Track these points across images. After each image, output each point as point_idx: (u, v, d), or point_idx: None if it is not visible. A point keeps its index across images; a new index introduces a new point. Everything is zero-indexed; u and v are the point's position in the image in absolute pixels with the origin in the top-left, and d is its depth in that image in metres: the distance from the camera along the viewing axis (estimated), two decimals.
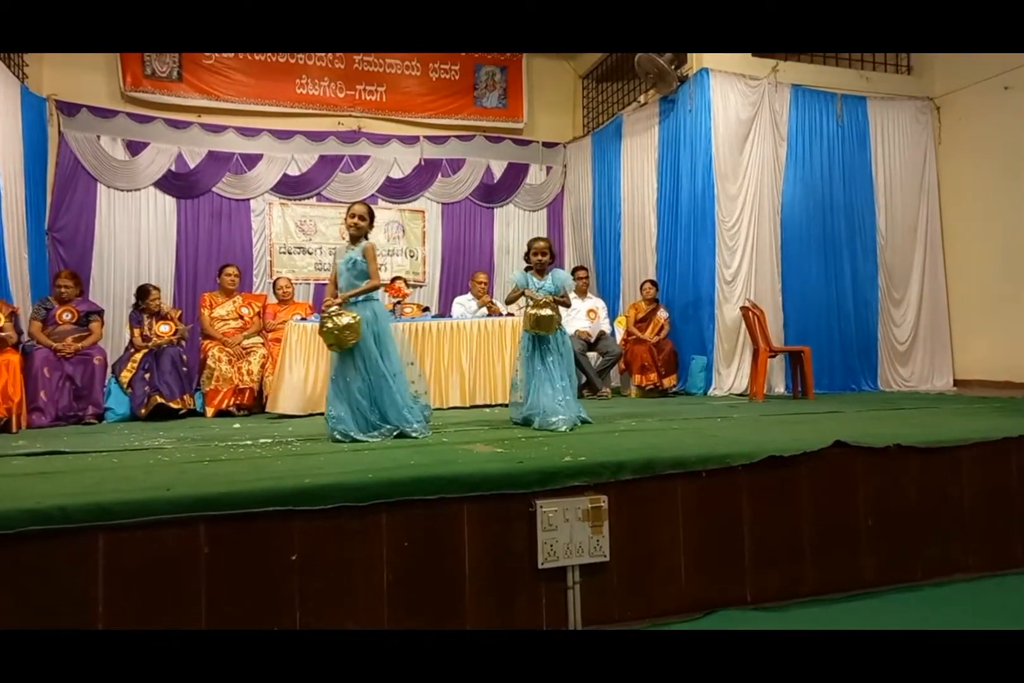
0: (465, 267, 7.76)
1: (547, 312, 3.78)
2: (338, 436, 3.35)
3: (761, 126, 6.20)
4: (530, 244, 4.03)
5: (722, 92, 6.09)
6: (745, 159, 6.17)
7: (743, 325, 5.90)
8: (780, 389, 6.09)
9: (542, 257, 3.95)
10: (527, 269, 4.04)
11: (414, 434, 3.42)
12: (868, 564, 2.75)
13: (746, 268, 6.09)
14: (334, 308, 3.38)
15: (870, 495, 2.80)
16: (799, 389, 5.71)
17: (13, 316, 4.75)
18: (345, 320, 3.34)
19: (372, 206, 7.10)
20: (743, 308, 5.80)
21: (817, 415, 4.14)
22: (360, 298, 3.53)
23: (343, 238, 7.37)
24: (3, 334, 4.45)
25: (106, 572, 1.99)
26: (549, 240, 4.10)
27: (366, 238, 3.63)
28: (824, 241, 6.34)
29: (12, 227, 5.58)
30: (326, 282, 7.07)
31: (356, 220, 3.55)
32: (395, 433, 3.42)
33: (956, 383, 6.52)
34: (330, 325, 3.34)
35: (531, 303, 3.88)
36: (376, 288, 3.60)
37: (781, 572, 2.64)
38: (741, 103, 6.15)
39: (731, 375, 6.07)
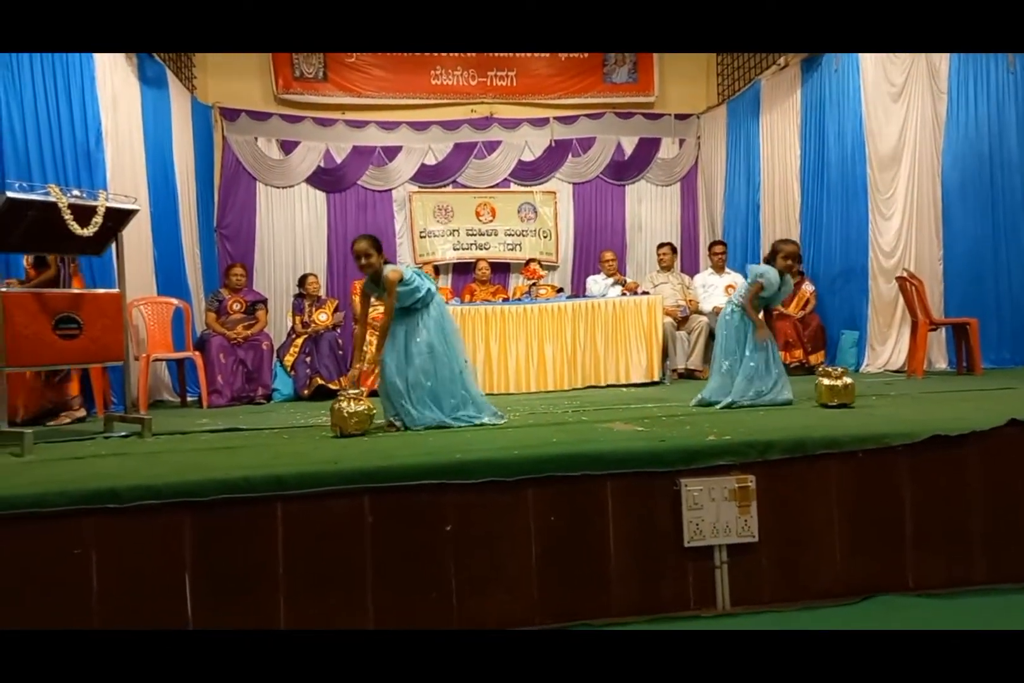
0: (597, 246, 7.70)
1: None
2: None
3: (917, 82, 5.69)
4: (778, 246, 3.67)
5: None
6: (899, 119, 5.70)
7: (900, 297, 5.51)
8: (942, 365, 5.64)
9: (791, 262, 3.65)
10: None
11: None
12: None
13: (904, 236, 5.66)
14: (352, 391, 3.14)
15: None
16: (965, 364, 5.27)
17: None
18: (360, 408, 3.07)
19: (505, 189, 7.14)
20: (899, 278, 5.41)
21: (986, 392, 3.81)
22: (409, 310, 3.39)
23: (479, 220, 7.62)
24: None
25: (285, 535, 2.20)
26: (798, 244, 3.80)
27: (385, 264, 3.43)
28: (993, 203, 5.75)
29: (188, 226, 6.17)
30: (466, 260, 7.29)
31: (363, 261, 3.35)
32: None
33: None
34: (343, 405, 3.05)
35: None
36: (386, 324, 3.40)
37: (948, 559, 2.49)
38: (892, 58, 5.68)
39: (887, 351, 5.69)
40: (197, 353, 5.18)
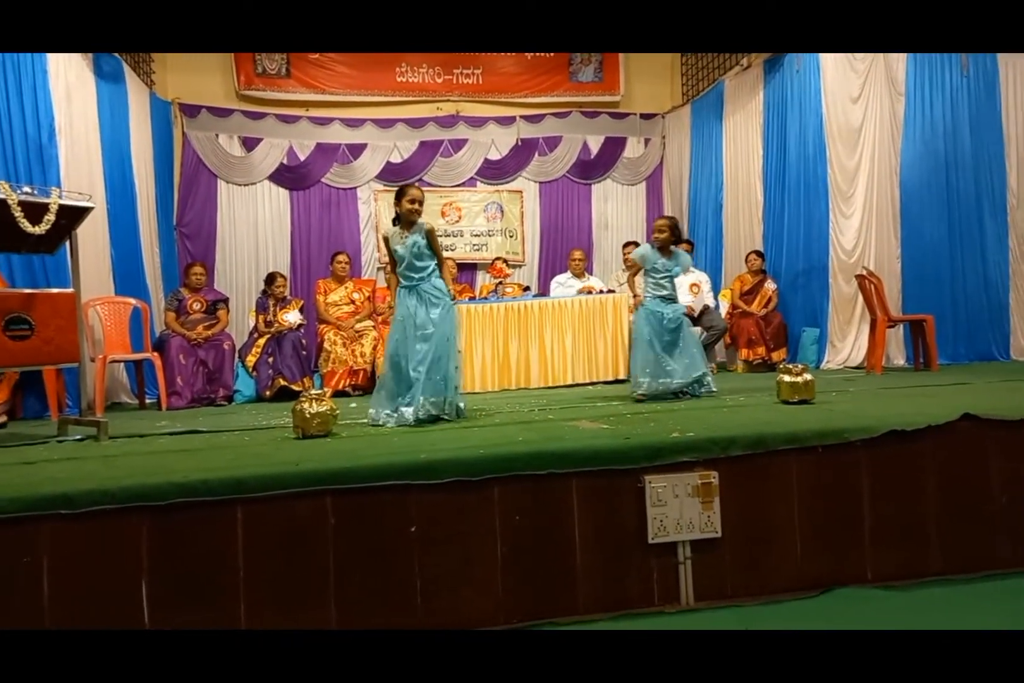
0: (564, 245, 7.74)
1: None
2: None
3: (876, 83, 5.81)
4: (655, 223, 4.07)
5: None
6: (859, 119, 5.81)
7: (859, 295, 5.62)
8: (900, 361, 5.77)
9: (659, 234, 3.96)
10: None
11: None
12: (1002, 544, 2.60)
13: (863, 235, 5.78)
14: (314, 391, 3.09)
15: (1004, 471, 2.64)
16: (921, 360, 5.39)
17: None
18: (323, 409, 2.99)
19: (471, 189, 7.21)
20: (859, 276, 5.51)
21: (942, 387, 3.90)
22: (425, 278, 3.52)
23: (445, 220, 7.58)
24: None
25: (245, 540, 2.16)
26: (674, 218, 4.09)
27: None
28: (948, 203, 5.90)
29: (146, 224, 6.03)
30: None
31: (418, 206, 3.53)
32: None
33: None
34: (305, 406, 2.96)
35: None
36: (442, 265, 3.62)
37: (905, 551, 2.54)
38: (852, 60, 5.79)
39: (846, 347, 5.80)
40: (156, 354, 5.07)
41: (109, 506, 2.07)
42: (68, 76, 4.80)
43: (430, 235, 3.55)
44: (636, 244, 6.80)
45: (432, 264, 3.55)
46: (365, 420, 3.54)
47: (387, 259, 3.71)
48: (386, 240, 3.64)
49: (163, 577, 2.10)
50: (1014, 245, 6.02)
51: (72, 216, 3.29)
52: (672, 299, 3.98)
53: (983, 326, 5.93)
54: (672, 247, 4.00)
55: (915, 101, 5.87)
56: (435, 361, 3.41)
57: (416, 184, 3.68)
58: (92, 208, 3.41)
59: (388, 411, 3.44)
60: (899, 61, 5.84)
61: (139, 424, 3.85)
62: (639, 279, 4.16)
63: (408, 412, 3.35)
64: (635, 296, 4.11)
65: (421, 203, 3.57)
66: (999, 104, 5.98)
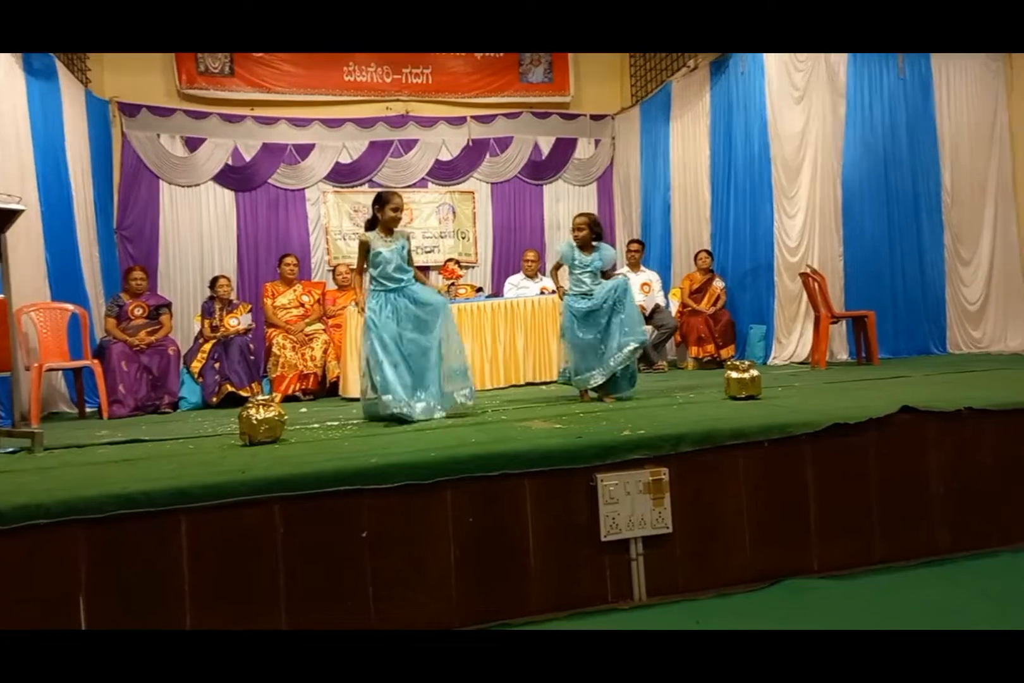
0: (517, 246, 7.75)
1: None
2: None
3: (818, 85, 5.96)
4: (573, 220, 4.07)
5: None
6: (802, 120, 5.96)
7: (803, 292, 5.76)
8: (843, 356, 5.93)
9: (577, 232, 3.98)
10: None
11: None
12: (941, 531, 2.69)
13: (807, 234, 5.92)
14: (261, 397, 3.05)
15: (942, 461, 2.73)
16: (863, 355, 5.55)
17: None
18: (270, 414, 2.90)
19: (422, 189, 7.19)
20: (803, 274, 5.65)
21: (883, 381, 4.02)
22: (409, 281, 3.66)
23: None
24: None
25: (190, 551, 2.10)
26: (593, 215, 4.11)
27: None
28: (888, 202, 6.09)
29: (84, 227, 5.84)
30: None
31: (400, 214, 3.71)
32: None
33: None
34: (252, 412, 2.88)
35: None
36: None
37: (849, 541, 2.60)
38: (795, 62, 5.93)
39: (792, 344, 5.94)
40: (96, 361, 4.91)
41: (43, 521, 1.99)
42: None
43: (410, 240, 3.75)
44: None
45: (412, 268, 3.71)
46: (316, 425, 3.49)
47: (356, 261, 3.78)
48: (364, 244, 3.67)
49: (103, 593, 2.02)
50: (949, 242, 6.25)
51: (1, 219, 3.15)
52: (592, 294, 3.93)
53: (921, 321, 6.15)
54: (595, 243, 4.00)
55: (856, 103, 6.04)
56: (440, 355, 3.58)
57: (396, 191, 3.82)
58: (22, 211, 3.27)
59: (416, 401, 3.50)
60: (840, 64, 6.00)
61: (78, 434, 3.72)
62: (563, 273, 4.21)
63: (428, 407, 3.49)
64: (558, 288, 4.16)
65: (402, 210, 3.73)
66: (933, 106, 6.21)
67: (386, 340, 3.51)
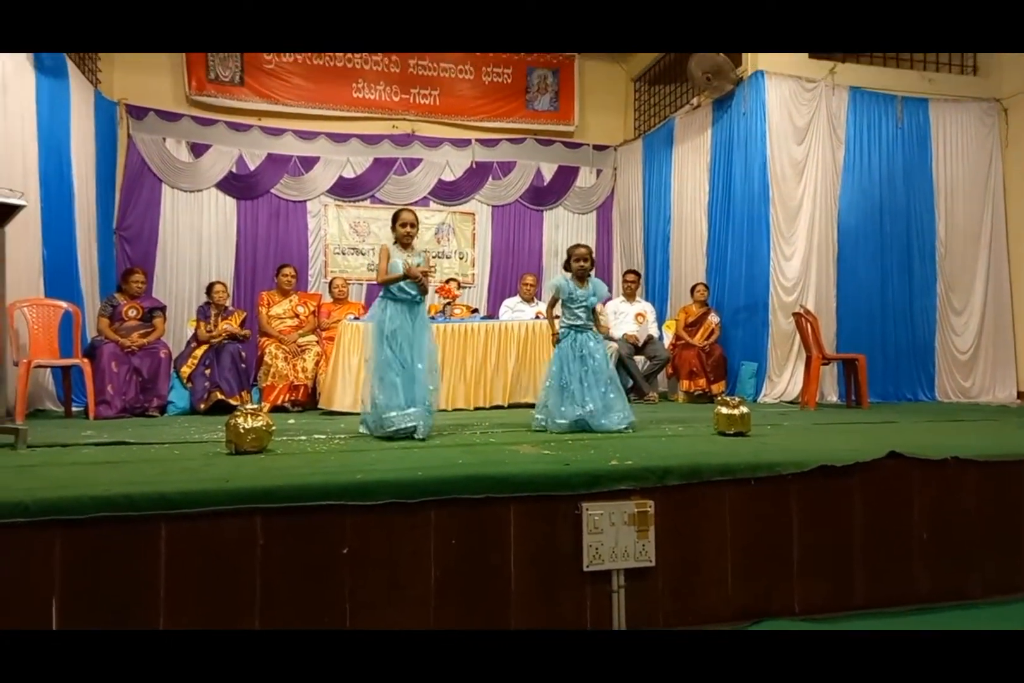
0: (514, 269, 7.81)
1: None
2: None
3: (818, 129, 6.09)
4: (570, 251, 3.96)
5: (778, 95, 6.00)
6: (801, 163, 6.07)
7: (796, 332, 5.80)
8: (833, 398, 5.97)
9: (583, 263, 3.88)
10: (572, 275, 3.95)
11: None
12: (923, 579, 2.69)
13: (802, 275, 5.99)
14: (250, 406, 3.01)
15: (926, 508, 2.73)
16: (853, 398, 5.59)
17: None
18: (258, 424, 2.89)
19: (424, 208, 7.20)
20: (796, 314, 5.70)
21: (871, 425, 4.04)
22: (424, 297, 3.69)
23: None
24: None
25: (168, 558, 2.07)
26: (589, 247, 4.01)
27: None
28: (882, 248, 6.20)
29: (84, 226, 5.82)
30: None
31: (410, 228, 3.71)
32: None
33: (1020, 395, 6.29)
34: (239, 421, 2.87)
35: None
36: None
37: (831, 583, 2.59)
38: (797, 106, 6.05)
39: (783, 382, 5.97)
40: (86, 360, 4.86)
41: (21, 519, 1.95)
42: (4, 67, 4.63)
43: (426, 262, 3.76)
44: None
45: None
46: (302, 438, 3.46)
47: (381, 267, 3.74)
48: (385, 249, 3.72)
49: (76, 595, 1.99)
50: (942, 291, 6.35)
51: (1, 214, 3.14)
52: (587, 328, 3.89)
53: (910, 367, 6.21)
54: (587, 277, 3.92)
55: (854, 149, 6.17)
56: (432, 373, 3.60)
57: (408, 206, 3.83)
58: (22, 206, 3.26)
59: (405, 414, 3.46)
60: (840, 109, 6.14)
61: (62, 433, 3.67)
62: (558, 309, 4.00)
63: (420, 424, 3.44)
64: (553, 334, 3.96)
65: (414, 225, 3.73)
66: (930, 156, 6.35)
67: (397, 352, 3.52)
